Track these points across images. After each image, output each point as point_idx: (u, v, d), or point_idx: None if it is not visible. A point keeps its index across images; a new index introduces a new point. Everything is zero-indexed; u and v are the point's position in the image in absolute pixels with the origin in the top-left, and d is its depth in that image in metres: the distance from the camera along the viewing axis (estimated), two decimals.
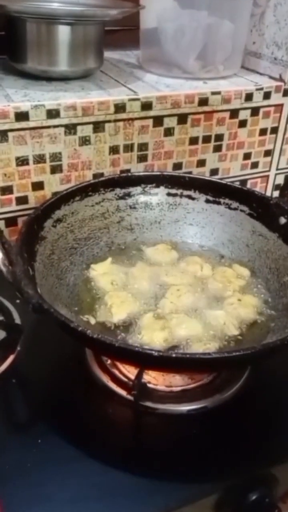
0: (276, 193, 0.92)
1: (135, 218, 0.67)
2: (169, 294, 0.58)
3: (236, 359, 0.43)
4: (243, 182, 0.87)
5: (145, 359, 0.44)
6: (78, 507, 0.45)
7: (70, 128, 0.68)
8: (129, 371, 0.56)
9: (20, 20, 0.70)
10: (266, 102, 0.81)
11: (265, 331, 0.55)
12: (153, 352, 0.42)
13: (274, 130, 0.85)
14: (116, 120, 0.71)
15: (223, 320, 0.55)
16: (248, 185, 0.88)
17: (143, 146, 0.75)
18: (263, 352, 0.43)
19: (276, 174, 0.90)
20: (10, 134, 0.65)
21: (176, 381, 0.56)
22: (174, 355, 0.42)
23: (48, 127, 0.67)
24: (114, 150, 0.73)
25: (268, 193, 0.90)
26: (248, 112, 0.80)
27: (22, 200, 0.70)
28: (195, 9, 0.80)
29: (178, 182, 0.68)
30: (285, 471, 0.51)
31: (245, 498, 0.48)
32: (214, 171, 0.83)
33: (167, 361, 0.43)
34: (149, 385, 0.54)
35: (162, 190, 0.68)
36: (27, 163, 0.68)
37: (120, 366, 0.57)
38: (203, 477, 0.48)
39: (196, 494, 0.47)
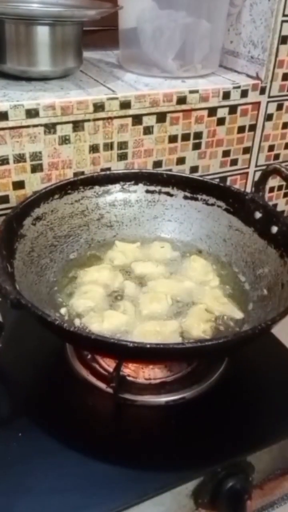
0: None
1: (114, 215, 0.68)
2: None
3: (209, 348, 0.44)
4: (223, 179, 0.89)
5: (120, 351, 0.45)
6: (58, 497, 0.46)
7: (50, 128, 0.69)
8: (109, 365, 0.57)
9: None
10: (243, 100, 0.82)
11: (240, 323, 0.56)
12: (128, 343, 0.43)
13: (252, 128, 0.86)
14: (95, 119, 0.72)
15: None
16: (228, 182, 0.89)
17: (123, 145, 0.76)
18: (235, 342, 0.45)
19: (255, 171, 0.91)
20: None
21: (155, 374, 0.57)
22: (148, 346, 0.43)
23: (28, 126, 0.68)
24: (94, 148, 0.74)
25: (248, 190, 0.91)
26: (226, 110, 0.82)
27: (3, 199, 0.71)
28: (173, 10, 0.81)
29: (156, 179, 0.69)
30: (261, 459, 0.52)
31: (221, 486, 0.49)
32: (194, 169, 0.85)
33: (142, 352, 0.44)
34: (128, 378, 0.55)
35: (140, 187, 0.69)
36: (7, 163, 0.69)
37: (100, 360, 0.58)
38: (180, 466, 0.49)
39: (173, 482, 0.48)
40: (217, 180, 0.86)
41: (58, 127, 0.70)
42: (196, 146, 0.83)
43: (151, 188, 0.69)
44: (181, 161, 0.83)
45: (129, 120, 0.75)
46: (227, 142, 0.85)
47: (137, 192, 0.69)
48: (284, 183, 0.95)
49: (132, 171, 0.71)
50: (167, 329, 0.54)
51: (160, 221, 0.69)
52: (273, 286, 0.57)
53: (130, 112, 0.74)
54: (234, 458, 0.50)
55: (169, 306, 0.58)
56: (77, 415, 0.53)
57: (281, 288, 0.55)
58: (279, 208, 1.00)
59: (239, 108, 0.83)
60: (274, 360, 0.61)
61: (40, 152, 0.70)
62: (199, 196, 0.68)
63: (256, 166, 0.91)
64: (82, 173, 0.74)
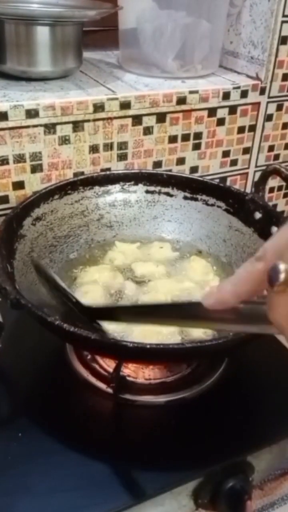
0: None
1: (114, 216, 0.68)
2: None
3: (209, 348, 0.44)
4: (223, 180, 0.89)
5: (120, 351, 0.45)
6: (58, 497, 0.46)
7: (50, 128, 0.69)
8: (109, 366, 0.57)
9: None
10: (243, 101, 0.82)
11: None
12: (128, 343, 0.43)
13: (252, 128, 0.86)
14: (95, 120, 0.72)
15: None
16: (228, 183, 0.89)
17: (122, 145, 0.76)
18: (235, 342, 0.45)
19: (255, 171, 0.91)
20: None
21: (155, 374, 0.57)
22: (148, 346, 0.43)
23: (28, 126, 0.68)
24: (94, 149, 0.74)
25: (248, 190, 0.91)
26: (226, 110, 0.82)
27: (2, 199, 0.71)
28: (173, 10, 0.81)
29: (156, 180, 0.69)
30: (261, 459, 0.52)
31: (221, 486, 0.49)
32: (193, 169, 0.85)
33: (142, 352, 0.44)
34: (128, 378, 0.55)
35: (140, 188, 0.69)
36: (7, 163, 0.69)
37: (100, 360, 0.58)
38: (180, 466, 0.49)
39: (173, 482, 0.48)
40: (217, 180, 0.86)
41: (58, 127, 0.70)
42: (196, 147, 0.83)
43: (151, 188, 0.69)
44: (181, 161, 0.83)
45: (129, 121, 0.75)
46: (227, 143, 0.85)
47: (137, 192, 0.69)
48: (284, 183, 0.95)
49: (132, 171, 0.71)
50: (167, 329, 0.54)
51: (160, 221, 0.69)
52: None
53: (130, 112, 0.74)
54: (234, 458, 0.50)
55: None
56: (77, 415, 0.53)
57: None
58: (279, 209, 1.00)
59: (239, 109, 0.83)
60: (274, 360, 0.61)
61: (40, 152, 0.70)
62: (199, 197, 0.68)
63: (256, 166, 0.91)
64: (82, 173, 0.74)
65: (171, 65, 0.82)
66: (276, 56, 0.81)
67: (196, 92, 0.78)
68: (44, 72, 0.75)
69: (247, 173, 0.91)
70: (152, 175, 0.70)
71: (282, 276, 0.26)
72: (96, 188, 0.67)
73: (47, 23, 0.71)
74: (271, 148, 0.91)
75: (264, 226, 0.62)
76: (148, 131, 0.77)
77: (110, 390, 0.54)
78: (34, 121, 0.67)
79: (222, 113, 0.82)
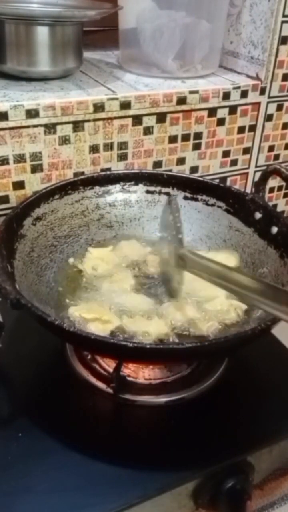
0: None
1: (114, 216, 0.68)
2: None
3: (209, 348, 0.44)
4: (223, 180, 0.89)
5: (120, 351, 0.45)
6: (58, 497, 0.46)
7: (50, 128, 0.69)
8: (109, 366, 0.57)
9: None
10: (243, 101, 0.82)
11: (240, 323, 0.56)
12: (128, 343, 0.43)
13: (252, 128, 0.86)
14: (95, 120, 0.72)
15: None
16: (228, 183, 0.89)
17: (123, 145, 0.76)
18: (235, 342, 0.45)
19: (255, 171, 0.91)
20: None
21: (155, 374, 0.57)
22: (148, 346, 0.43)
23: (28, 126, 0.68)
24: (94, 149, 0.74)
25: (248, 190, 0.91)
26: (226, 110, 0.82)
27: (3, 199, 0.71)
28: (173, 10, 0.81)
29: (157, 180, 0.69)
30: (261, 459, 0.52)
31: (221, 486, 0.49)
32: (194, 169, 0.85)
33: (142, 352, 0.44)
34: (128, 378, 0.55)
35: (141, 188, 0.69)
36: (7, 163, 0.69)
37: (100, 360, 0.58)
38: (180, 466, 0.49)
39: (173, 483, 0.48)
40: (217, 180, 0.86)
41: (58, 127, 0.70)
42: (196, 147, 0.83)
43: (151, 188, 0.69)
44: (181, 161, 0.83)
45: (129, 121, 0.75)
46: (227, 143, 0.85)
47: (137, 192, 0.69)
48: (284, 183, 0.95)
49: (132, 171, 0.71)
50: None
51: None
52: None
53: (130, 112, 0.74)
54: (234, 458, 0.50)
55: None
56: (77, 415, 0.53)
57: None
58: (279, 209, 1.00)
59: (239, 109, 0.83)
60: (274, 360, 0.61)
61: (40, 152, 0.70)
62: (199, 197, 0.68)
63: (256, 166, 0.91)
64: (82, 173, 0.74)
65: (171, 65, 0.82)
66: (276, 56, 0.81)
67: (196, 92, 0.78)
68: (44, 72, 0.75)
69: (247, 173, 0.91)
70: (152, 175, 0.70)
71: None
72: (97, 188, 0.67)
73: (47, 23, 0.71)
74: (271, 148, 0.91)
75: (264, 226, 0.62)
76: (148, 131, 0.77)
77: (110, 390, 0.54)
78: (34, 121, 0.68)
79: (222, 113, 0.82)
